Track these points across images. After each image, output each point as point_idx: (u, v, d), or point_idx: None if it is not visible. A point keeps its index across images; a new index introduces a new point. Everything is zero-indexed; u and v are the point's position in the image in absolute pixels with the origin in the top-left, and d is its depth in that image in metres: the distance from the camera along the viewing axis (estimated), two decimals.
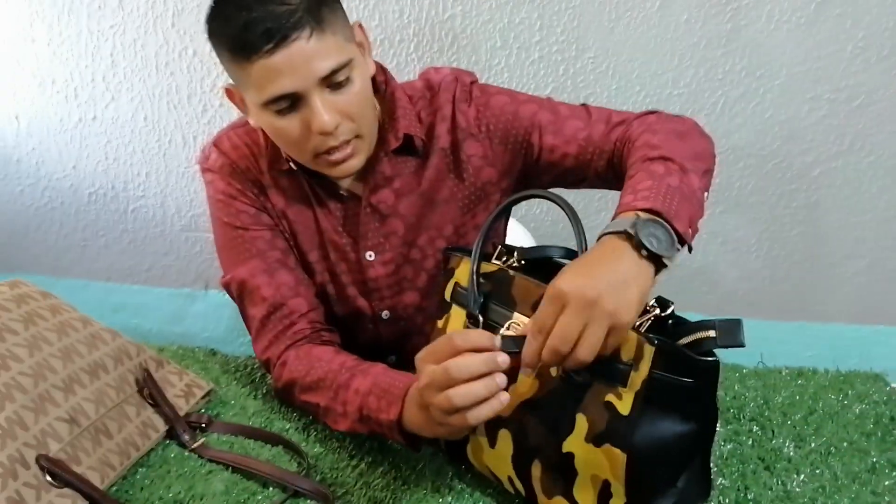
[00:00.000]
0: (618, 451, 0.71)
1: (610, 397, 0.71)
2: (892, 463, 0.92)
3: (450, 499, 0.85)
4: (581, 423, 0.73)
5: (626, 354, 0.71)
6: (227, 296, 1.18)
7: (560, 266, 0.75)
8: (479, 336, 0.74)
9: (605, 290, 0.70)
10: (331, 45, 0.90)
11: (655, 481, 0.73)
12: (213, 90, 1.61)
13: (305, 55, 0.88)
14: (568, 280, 0.71)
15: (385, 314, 1.08)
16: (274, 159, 1.04)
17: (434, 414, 0.76)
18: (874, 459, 0.92)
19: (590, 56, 1.63)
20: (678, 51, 1.66)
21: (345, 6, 0.92)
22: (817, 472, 0.90)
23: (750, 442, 0.95)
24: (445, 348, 0.74)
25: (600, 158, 1.01)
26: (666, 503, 0.74)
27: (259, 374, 1.09)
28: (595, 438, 0.72)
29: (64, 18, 1.54)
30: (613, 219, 0.80)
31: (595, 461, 0.73)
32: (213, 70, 1.59)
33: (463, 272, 0.89)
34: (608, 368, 0.72)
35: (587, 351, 0.69)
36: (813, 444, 0.96)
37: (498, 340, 0.73)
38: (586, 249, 0.75)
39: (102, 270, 1.76)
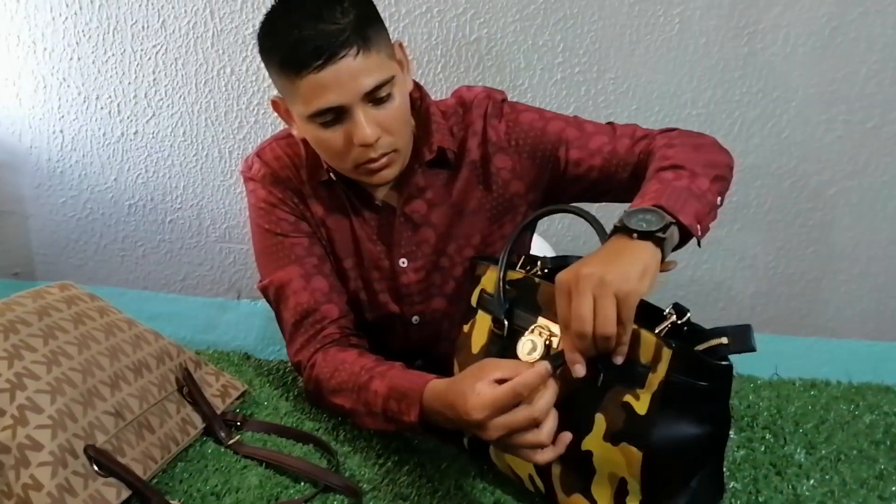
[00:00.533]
0: (634, 449, 0.74)
1: (628, 398, 0.75)
2: None
3: (473, 496, 0.88)
4: (600, 422, 0.77)
5: (644, 357, 0.75)
6: (259, 304, 1.24)
7: None
8: (534, 375, 0.76)
9: (602, 267, 0.75)
10: (374, 62, 0.95)
11: (670, 480, 0.76)
12: (249, 107, 1.67)
13: (351, 72, 0.93)
14: (568, 270, 0.77)
15: (415, 319, 1.13)
16: (314, 170, 1.09)
17: (490, 436, 0.78)
18: (882, 466, 0.96)
19: (611, 77, 1.67)
20: (696, 72, 1.69)
21: None
22: (827, 477, 0.93)
23: (762, 448, 0.98)
24: (509, 400, 0.76)
25: (624, 170, 1.05)
26: (680, 502, 0.77)
27: (290, 377, 1.12)
28: (613, 437, 0.76)
29: (109, 38, 1.61)
30: None
31: (613, 459, 0.76)
32: (248, 88, 1.65)
33: (489, 279, 0.93)
34: (627, 370, 0.75)
35: (604, 323, 0.73)
36: (823, 451, 0.98)
37: (547, 365, 0.77)
38: None
39: (139, 279, 1.81)
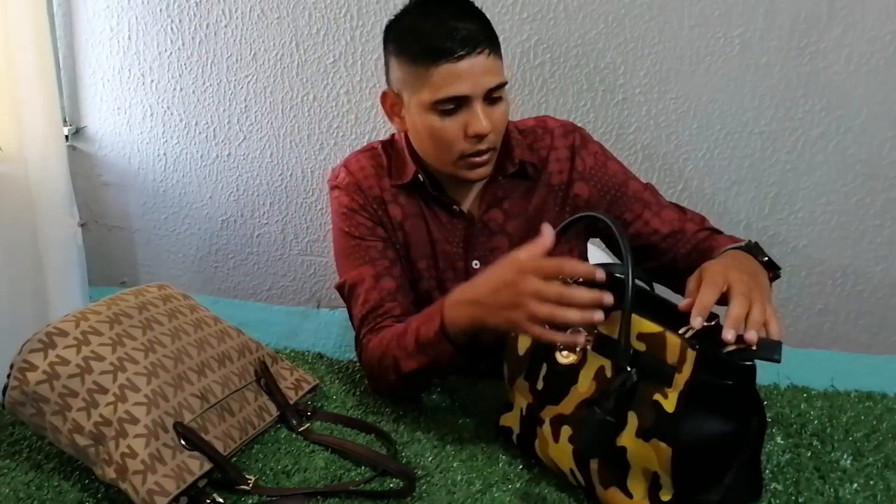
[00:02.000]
0: (664, 445, 0.77)
1: (657, 396, 0.78)
2: None
3: (518, 485, 0.91)
4: (632, 419, 0.80)
5: (671, 358, 0.78)
6: (337, 313, 1.32)
7: (620, 280, 0.83)
8: (584, 266, 0.86)
9: (750, 280, 0.89)
10: (498, 66, 1.09)
11: (700, 475, 0.79)
12: (329, 130, 1.79)
13: (483, 67, 1.07)
14: (718, 265, 0.93)
15: None
16: (398, 173, 1.19)
17: (518, 296, 0.86)
18: None
19: (671, 97, 1.70)
20: (758, 92, 1.68)
21: None
22: (871, 483, 0.93)
23: (809, 454, 0.98)
24: (550, 269, 0.86)
25: (684, 246, 1.18)
26: (713, 498, 0.80)
27: (358, 374, 1.19)
28: (644, 433, 0.79)
29: (207, 70, 1.76)
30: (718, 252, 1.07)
31: (645, 455, 0.79)
32: (329, 112, 1.77)
33: None
34: (655, 371, 0.79)
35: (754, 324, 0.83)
36: (871, 459, 0.98)
37: (602, 273, 0.84)
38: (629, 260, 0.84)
39: (230, 289, 1.95)
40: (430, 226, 1.20)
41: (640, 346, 0.82)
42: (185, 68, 1.78)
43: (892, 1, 1.59)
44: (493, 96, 1.10)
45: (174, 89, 1.79)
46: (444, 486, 0.91)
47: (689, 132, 1.73)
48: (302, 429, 1.02)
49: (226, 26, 1.74)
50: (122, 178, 1.88)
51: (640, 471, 0.81)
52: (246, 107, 1.79)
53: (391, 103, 1.17)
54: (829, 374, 1.29)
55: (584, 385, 0.87)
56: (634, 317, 0.83)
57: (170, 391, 0.91)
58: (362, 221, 1.19)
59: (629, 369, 0.80)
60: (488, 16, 1.11)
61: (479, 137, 1.09)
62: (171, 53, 1.77)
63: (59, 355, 0.90)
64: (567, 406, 0.88)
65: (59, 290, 1.72)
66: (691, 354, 0.77)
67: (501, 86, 1.10)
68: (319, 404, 1.10)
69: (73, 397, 0.88)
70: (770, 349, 0.78)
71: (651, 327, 0.82)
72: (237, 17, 1.73)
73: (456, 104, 1.08)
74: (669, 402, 0.78)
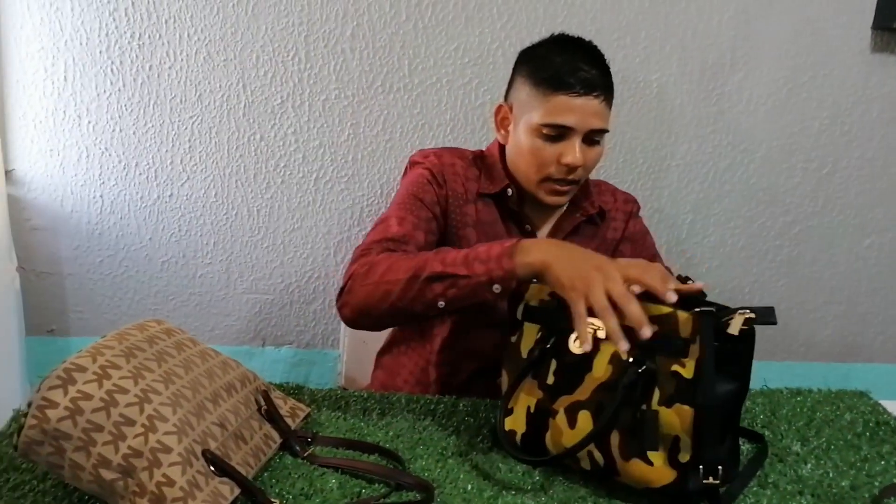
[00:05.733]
0: (687, 407, 0.88)
1: (675, 367, 0.89)
2: (880, 454, 1.09)
3: (528, 489, 0.96)
4: (654, 393, 0.91)
5: (684, 332, 0.89)
6: (282, 351, 1.33)
7: None
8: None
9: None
10: (606, 114, 1.22)
11: (713, 434, 0.89)
12: (276, 169, 1.81)
13: (594, 109, 1.19)
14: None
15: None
16: (488, 182, 1.30)
17: (596, 271, 0.92)
18: (865, 452, 1.10)
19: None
20: (674, 129, 1.86)
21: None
22: (822, 461, 1.06)
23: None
24: (637, 275, 0.94)
25: None
26: (717, 457, 0.89)
27: (344, 401, 1.20)
28: (667, 401, 0.90)
29: (149, 111, 1.74)
30: None
31: (668, 420, 0.89)
32: (276, 151, 1.80)
33: (532, 294, 1.05)
34: (671, 345, 0.90)
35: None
36: (815, 443, 1.11)
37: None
38: None
39: None
40: (499, 236, 1.29)
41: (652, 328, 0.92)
42: (126, 109, 1.75)
43: (784, 50, 1.83)
44: (593, 138, 1.22)
45: (113, 130, 1.76)
46: (459, 495, 0.94)
47: (616, 166, 1.88)
48: (306, 454, 1.03)
49: (170, 68, 1.73)
50: (52, 222, 1.81)
51: (662, 437, 0.91)
52: (190, 147, 1.78)
53: (502, 116, 1.29)
54: (753, 376, 1.44)
55: (600, 370, 0.96)
56: (642, 303, 0.93)
57: (193, 420, 0.91)
58: (430, 192, 1.28)
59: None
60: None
61: (570, 168, 1.21)
62: (110, 95, 1.74)
63: (81, 390, 0.89)
64: (583, 393, 0.96)
65: None
66: (702, 326, 0.88)
67: (602, 131, 1.23)
68: (316, 430, 1.12)
69: (98, 431, 0.87)
70: (766, 315, 0.90)
71: (660, 309, 0.93)
72: (182, 59, 1.73)
73: (560, 133, 1.20)
74: (688, 370, 0.89)
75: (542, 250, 1.00)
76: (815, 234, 1.97)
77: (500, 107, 1.30)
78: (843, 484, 1.01)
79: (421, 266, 1.07)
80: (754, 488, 0.99)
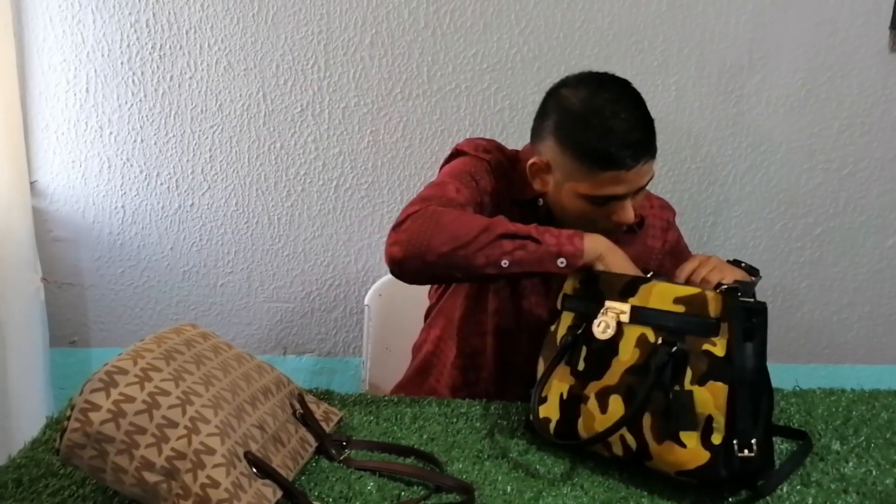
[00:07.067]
0: (720, 383, 0.89)
1: (707, 346, 0.91)
2: None
3: (566, 490, 0.96)
4: (687, 373, 0.92)
5: (714, 312, 0.91)
6: (304, 359, 1.33)
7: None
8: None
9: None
10: (653, 166, 1.16)
11: (744, 413, 0.90)
12: (297, 177, 1.82)
13: (642, 173, 1.14)
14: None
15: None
16: (521, 190, 1.26)
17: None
18: None
19: None
20: (693, 132, 1.86)
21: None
22: (863, 459, 1.05)
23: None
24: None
25: None
26: (750, 441, 0.90)
27: (375, 405, 1.20)
28: (700, 379, 0.91)
29: (171, 121, 1.76)
30: None
31: (701, 399, 0.90)
32: (296, 160, 1.81)
33: (568, 285, 1.10)
34: (700, 325, 0.92)
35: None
36: (854, 442, 1.11)
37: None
38: None
39: None
40: None
41: (680, 309, 0.95)
42: (147, 120, 1.77)
43: (802, 51, 1.83)
44: (640, 190, 1.20)
45: (134, 141, 1.77)
46: (499, 496, 0.94)
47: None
48: (342, 457, 1.03)
49: (191, 78, 1.75)
50: (74, 233, 1.82)
51: (695, 417, 0.91)
52: (211, 156, 1.79)
53: (537, 170, 1.21)
54: (786, 378, 1.43)
55: (626, 354, 0.98)
56: (667, 284, 0.98)
57: (234, 422, 0.91)
58: (483, 178, 1.25)
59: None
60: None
61: (622, 224, 1.19)
62: (131, 105, 1.76)
63: (123, 393, 0.89)
64: (612, 377, 0.98)
65: (18, 348, 1.62)
66: (731, 304, 0.91)
67: (651, 180, 1.19)
68: (350, 434, 1.11)
69: (140, 434, 0.87)
70: (746, 288, 0.94)
71: (687, 290, 0.96)
72: (202, 70, 1.74)
73: (610, 199, 1.16)
74: (719, 349, 0.91)
75: (604, 242, 1.07)
76: (837, 235, 1.97)
77: (533, 163, 1.21)
78: (888, 482, 1.00)
79: (493, 222, 1.08)
80: (798, 487, 0.98)
